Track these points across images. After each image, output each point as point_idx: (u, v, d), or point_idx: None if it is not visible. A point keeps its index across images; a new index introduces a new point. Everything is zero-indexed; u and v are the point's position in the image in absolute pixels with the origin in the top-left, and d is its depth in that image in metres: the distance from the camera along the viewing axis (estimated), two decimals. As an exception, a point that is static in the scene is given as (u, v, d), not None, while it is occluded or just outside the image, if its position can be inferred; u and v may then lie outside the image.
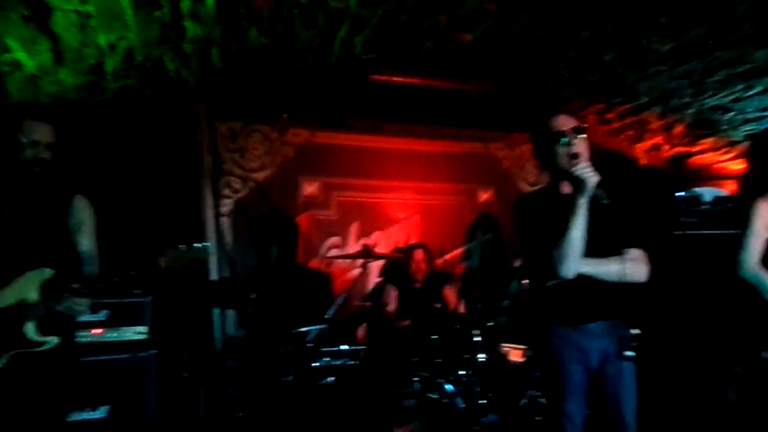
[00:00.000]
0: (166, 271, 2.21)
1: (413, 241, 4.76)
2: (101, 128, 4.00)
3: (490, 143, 5.15)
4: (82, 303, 2.13)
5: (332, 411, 3.39)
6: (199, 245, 2.28)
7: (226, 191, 4.36)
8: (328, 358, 3.51)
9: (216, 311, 4.16)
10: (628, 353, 2.05)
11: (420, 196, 4.92)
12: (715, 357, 3.76)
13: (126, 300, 3.24)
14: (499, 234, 5.02)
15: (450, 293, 4.27)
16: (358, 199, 4.76)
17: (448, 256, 4.86)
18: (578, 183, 2.02)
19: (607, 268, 2.07)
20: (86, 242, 2.30)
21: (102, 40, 3.12)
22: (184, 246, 2.24)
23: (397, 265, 4.50)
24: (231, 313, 4.21)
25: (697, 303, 3.86)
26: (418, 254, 4.31)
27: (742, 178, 3.07)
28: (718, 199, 4.16)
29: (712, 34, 3.26)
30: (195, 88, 4.00)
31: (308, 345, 3.63)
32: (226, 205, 4.35)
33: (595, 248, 2.04)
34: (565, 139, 2.08)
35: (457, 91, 4.32)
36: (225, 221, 4.33)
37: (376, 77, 4.03)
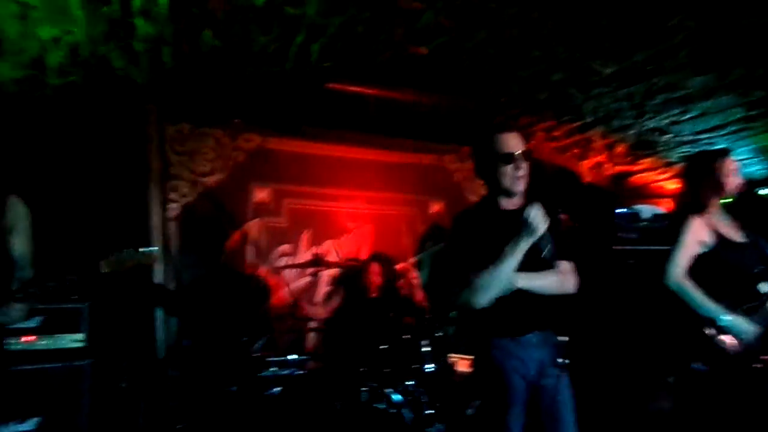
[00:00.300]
0: (108, 276, 2.13)
1: (365, 250, 4.77)
2: (42, 125, 3.82)
3: (442, 156, 5.23)
4: (17, 309, 2.02)
5: (278, 422, 3.33)
6: (145, 250, 2.21)
7: (174, 195, 4.24)
8: (275, 368, 3.44)
9: (159, 318, 4.02)
10: (561, 360, 2.11)
11: (372, 205, 4.93)
12: (649, 368, 3.94)
13: (62, 306, 3.08)
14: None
15: (401, 303, 4.29)
16: (310, 207, 4.72)
17: (398, 267, 4.89)
18: (524, 226, 2.04)
19: (541, 282, 2.11)
20: (20, 245, 2.19)
21: (45, 33, 3.00)
22: (129, 250, 2.16)
23: (349, 275, 4.49)
24: (175, 321, 4.08)
25: (635, 316, 4.03)
26: (374, 267, 4.31)
27: (677, 197, 3.26)
28: (655, 216, 4.38)
29: (652, 60, 3.45)
30: (144, 87, 3.88)
31: (254, 355, 3.56)
32: (174, 210, 4.23)
33: (529, 263, 2.09)
34: (512, 162, 2.11)
35: (412, 103, 4.38)
36: (172, 226, 4.20)
37: (332, 86, 4.03)
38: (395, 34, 3.29)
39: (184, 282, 4.13)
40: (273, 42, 3.35)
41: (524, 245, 2.04)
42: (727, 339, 2.57)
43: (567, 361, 2.10)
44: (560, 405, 2.12)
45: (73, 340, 3.12)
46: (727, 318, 2.55)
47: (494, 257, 2.05)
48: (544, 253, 2.08)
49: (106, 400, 3.37)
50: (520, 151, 2.13)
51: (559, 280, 2.13)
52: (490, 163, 2.17)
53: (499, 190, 2.20)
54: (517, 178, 2.13)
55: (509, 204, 2.21)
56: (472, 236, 2.15)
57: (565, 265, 2.19)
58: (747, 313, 2.59)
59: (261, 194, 4.57)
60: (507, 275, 2.03)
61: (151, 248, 2.25)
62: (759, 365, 2.55)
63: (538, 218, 2.03)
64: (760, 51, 3.22)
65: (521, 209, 2.13)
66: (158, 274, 4.08)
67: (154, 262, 3.75)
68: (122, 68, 3.55)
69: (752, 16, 2.90)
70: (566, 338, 2.15)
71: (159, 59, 3.50)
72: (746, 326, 2.55)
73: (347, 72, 3.86)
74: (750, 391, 2.56)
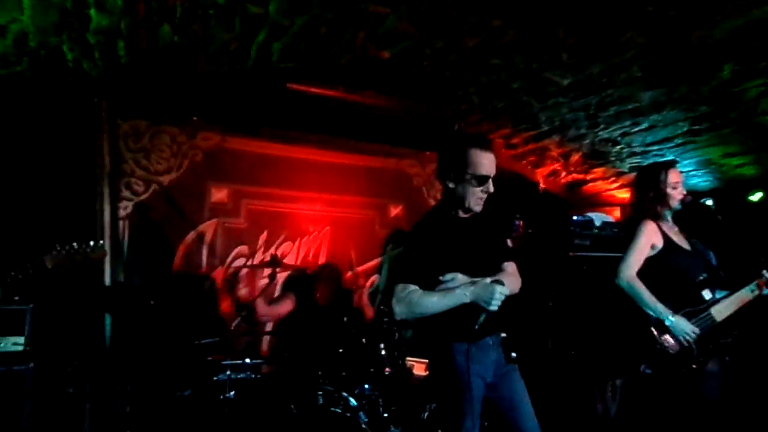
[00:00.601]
0: (53, 272, 2.04)
1: (323, 252, 4.74)
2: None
3: (402, 160, 5.26)
4: None
5: (232, 427, 3.26)
6: (92, 244, 2.12)
7: (126, 193, 4.10)
8: (229, 372, 3.37)
9: (107, 320, 3.87)
10: (513, 355, 2.17)
11: (331, 208, 4.90)
12: (598, 371, 4.06)
13: (2, 307, 2.94)
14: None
15: (357, 306, 4.29)
16: (269, 209, 4.66)
17: (357, 269, 4.89)
18: (479, 290, 2.07)
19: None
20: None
21: (-10, 20, 2.86)
22: (75, 244, 2.07)
23: (307, 277, 4.45)
24: (124, 323, 3.94)
25: (586, 320, 4.15)
26: (332, 270, 4.30)
27: (627, 206, 3.40)
28: (605, 224, 4.53)
29: (606, 73, 3.58)
30: (97, 81, 3.75)
31: (208, 358, 3.48)
32: (126, 208, 4.09)
33: (478, 266, 2.15)
34: (483, 185, 2.15)
35: (373, 106, 4.39)
36: (123, 224, 4.06)
37: (293, 86, 4.00)
38: (358, 37, 3.29)
39: (136, 283, 4.00)
40: (234, 40, 3.30)
41: (466, 301, 2.07)
42: (670, 339, 2.69)
43: (516, 355, 2.16)
44: (518, 398, 2.19)
45: (14, 343, 2.97)
46: (672, 319, 2.67)
47: (445, 264, 2.09)
48: (492, 254, 2.13)
49: (49, 407, 3.23)
50: (492, 175, 2.16)
51: (506, 282, 2.16)
52: (460, 177, 2.17)
53: (459, 203, 2.22)
54: (481, 199, 2.18)
55: (464, 214, 2.25)
56: (425, 246, 2.17)
57: (511, 266, 2.26)
58: (688, 316, 2.72)
59: (219, 194, 4.47)
60: (434, 309, 2.08)
61: (99, 243, 2.16)
62: (695, 366, 2.68)
63: (499, 295, 2.05)
64: (705, 69, 3.38)
65: (476, 216, 2.17)
66: (107, 274, 3.94)
67: (102, 258, 3.60)
68: (73, 60, 3.42)
69: (699, 36, 3.04)
70: (505, 334, 2.21)
71: (114, 53, 3.39)
72: (689, 328, 2.68)
73: (309, 73, 3.84)
74: (686, 393, 2.69)
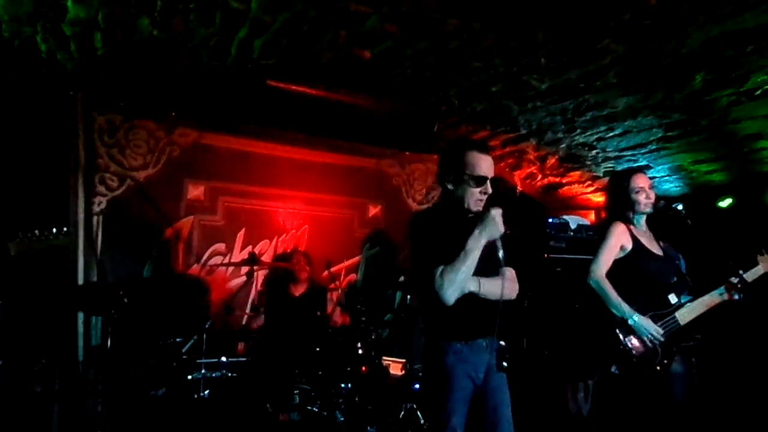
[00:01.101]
0: (17, 259, 1.98)
1: (301, 251, 4.72)
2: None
3: (381, 159, 5.27)
4: None
5: (207, 426, 3.23)
6: (54, 231, 2.05)
7: (101, 188, 4.02)
8: (204, 370, 3.33)
9: (80, 317, 3.80)
10: (505, 364, 2.22)
11: (310, 206, 4.89)
12: (571, 371, 4.13)
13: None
14: (387, 249, 5.13)
15: (334, 305, 4.29)
16: (247, 206, 4.62)
17: (334, 269, 4.87)
18: (485, 223, 2.12)
19: (490, 287, 2.19)
20: None
21: (-39, 8, 2.78)
22: (36, 231, 2.01)
23: (284, 276, 4.44)
24: (96, 320, 3.87)
25: (560, 321, 4.22)
26: (296, 256, 4.32)
27: (600, 210, 3.47)
28: (580, 227, 4.61)
29: (583, 78, 3.64)
30: (72, 73, 3.68)
31: (183, 356, 3.44)
32: (100, 204, 4.01)
33: (483, 267, 2.17)
34: (482, 185, 2.18)
35: (353, 105, 4.39)
36: (97, 220, 3.98)
37: (274, 83, 3.97)
38: (340, 36, 3.29)
39: (109, 279, 3.93)
40: (214, 35, 3.27)
41: (483, 242, 2.12)
42: (635, 340, 2.76)
43: (506, 365, 2.22)
44: (502, 406, 2.22)
45: (-18, 339, 2.90)
46: (635, 319, 2.74)
47: (454, 255, 2.11)
48: (499, 257, 2.17)
49: (16, 406, 3.15)
50: (490, 176, 2.21)
51: (506, 285, 2.21)
52: (459, 179, 2.21)
53: (458, 204, 2.25)
54: (480, 200, 2.21)
55: (464, 214, 2.27)
56: (431, 237, 2.19)
57: (510, 272, 2.29)
58: (654, 319, 2.80)
59: (195, 191, 4.42)
60: (469, 270, 2.10)
61: (62, 230, 2.10)
62: (659, 368, 2.75)
63: (499, 219, 2.13)
64: (678, 77, 3.47)
65: (477, 214, 2.21)
66: (80, 271, 3.86)
67: (67, 245, 3.50)
68: (47, 51, 3.35)
69: (673, 45, 3.12)
70: (505, 343, 2.25)
71: (90, 45, 3.32)
72: (652, 328, 2.75)
73: (290, 70, 3.82)
74: (653, 394, 2.76)
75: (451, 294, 2.10)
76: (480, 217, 2.16)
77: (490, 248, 2.19)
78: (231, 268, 4.39)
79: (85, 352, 3.78)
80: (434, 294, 2.11)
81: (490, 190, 2.21)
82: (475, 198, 2.21)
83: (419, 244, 2.23)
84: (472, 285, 2.15)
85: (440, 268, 2.11)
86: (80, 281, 3.84)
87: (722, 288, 2.87)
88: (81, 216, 3.90)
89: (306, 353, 3.59)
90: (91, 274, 3.91)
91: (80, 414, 3.49)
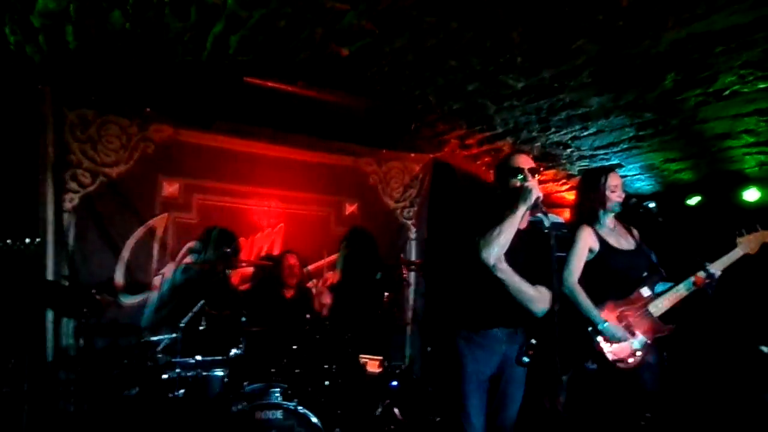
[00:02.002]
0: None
1: (277, 249, 4.69)
2: None
3: (358, 157, 5.27)
4: None
5: (181, 426, 3.18)
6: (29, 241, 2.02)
7: (72, 185, 3.94)
8: (179, 370, 3.29)
9: (49, 316, 3.71)
10: (525, 359, 2.34)
11: (286, 204, 4.86)
12: (546, 367, 4.19)
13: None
14: (364, 247, 5.13)
15: (315, 303, 4.27)
16: (222, 204, 4.57)
17: (312, 267, 4.86)
18: (523, 194, 2.32)
19: (518, 284, 2.33)
20: None
21: (-76, -2, 2.69)
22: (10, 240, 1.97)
23: (265, 273, 4.40)
24: (67, 320, 3.79)
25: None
26: (291, 259, 4.26)
27: (573, 208, 3.55)
28: (554, 225, 4.67)
29: (558, 78, 3.69)
30: (41, 67, 3.59)
31: (158, 356, 3.38)
32: (71, 200, 3.93)
33: (518, 266, 2.32)
34: (521, 176, 2.42)
35: (331, 103, 4.37)
36: (68, 217, 3.90)
37: (250, 80, 3.93)
38: (317, 33, 3.28)
39: (81, 278, 3.85)
40: (189, 30, 3.22)
41: (523, 208, 2.31)
42: (604, 342, 2.84)
43: (529, 360, 2.35)
44: (509, 396, 2.37)
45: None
46: (606, 326, 2.81)
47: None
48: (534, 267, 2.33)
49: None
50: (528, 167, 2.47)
51: (534, 296, 2.35)
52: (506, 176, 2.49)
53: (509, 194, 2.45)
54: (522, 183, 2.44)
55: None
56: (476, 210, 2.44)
57: (544, 290, 2.39)
58: (627, 313, 2.86)
59: (170, 188, 4.36)
60: (506, 234, 2.26)
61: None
62: (631, 360, 2.82)
63: (536, 185, 2.34)
64: (650, 77, 3.54)
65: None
66: (50, 269, 3.77)
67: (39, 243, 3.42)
68: (16, 44, 3.26)
69: (644, 46, 3.19)
70: (534, 340, 2.38)
71: (61, 38, 3.25)
72: (621, 334, 2.82)
73: (267, 67, 3.79)
74: (627, 385, 2.83)
75: (490, 254, 2.24)
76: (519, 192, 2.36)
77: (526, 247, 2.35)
78: (206, 265, 4.34)
79: (56, 352, 3.70)
80: (476, 256, 2.23)
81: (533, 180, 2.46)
82: (516, 187, 2.45)
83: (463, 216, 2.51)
84: (503, 267, 2.28)
85: (484, 234, 2.27)
86: (49, 279, 3.76)
87: (689, 281, 2.94)
88: (51, 213, 3.82)
89: (283, 351, 3.57)
90: (61, 271, 3.82)
91: (51, 415, 3.41)
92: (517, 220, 2.30)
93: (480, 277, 2.28)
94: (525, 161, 2.51)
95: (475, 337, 2.31)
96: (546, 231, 2.28)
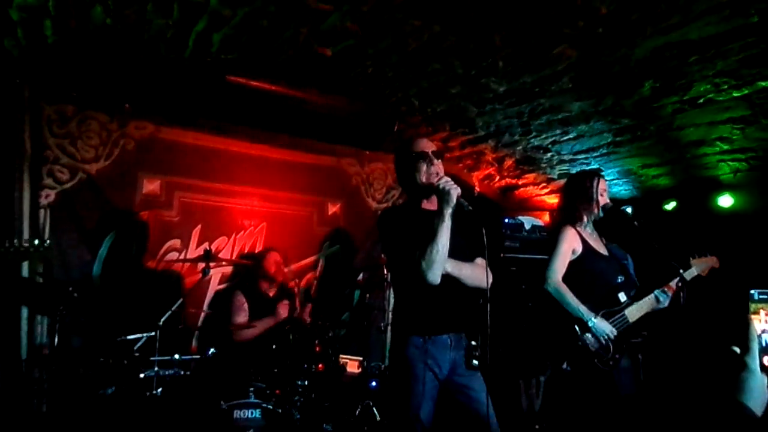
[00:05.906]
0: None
1: (259, 248, 4.67)
2: None
3: (341, 158, 5.27)
4: None
5: (158, 425, 3.16)
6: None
7: (49, 180, 3.88)
8: (156, 368, 3.26)
9: (24, 314, 3.65)
10: (475, 362, 2.32)
11: (268, 203, 4.84)
12: (523, 368, 4.24)
13: None
14: (346, 247, 5.14)
15: (296, 303, 4.26)
16: (203, 202, 4.54)
17: (293, 266, 4.85)
18: (442, 195, 2.24)
19: (466, 270, 2.33)
20: None
21: None
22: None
23: (245, 273, 4.38)
24: (42, 317, 3.73)
25: (514, 319, 4.32)
26: (275, 255, 4.24)
27: (554, 211, 3.58)
28: (534, 228, 4.74)
29: (539, 83, 3.74)
30: (19, 61, 3.53)
31: (135, 354, 3.35)
32: (48, 197, 3.87)
33: (453, 252, 2.27)
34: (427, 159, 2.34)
35: (314, 103, 4.37)
36: (44, 213, 3.84)
37: (233, 79, 3.92)
38: (300, 33, 3.28)
39: (57, 275, 3.79)
40: (171, 27, 3.20)
41: (447, 213, 2.23)
42: (591, 337, 2.86)
43: (477, 363, 2.32)
44: (477, 404, 2.30)
45: None
46: (594, 321, 2.84)
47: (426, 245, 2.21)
48: (465, 245, 2.29)
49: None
50: (431, 150, 2.38)
51: (476, 272, 2.35)
52: (409, 165, 2.40)
53: (419, 191, 2.41)
54: (432, 174, 2.35)
55: (430, 205, 2.40)
56: (402, 230, 2.32)
57: (481, 261, 2.40)
58: (606, 317, 2.91)
59: (151, 186, 4.32)
60: (445, 246, 2.20)
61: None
62: (611, 363, 2.86)
63: (450, 183, 2.25)
64: (628, 84, 3.61)
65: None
66: (24, 265, 3.71)
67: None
68: (-6, 37, 3.21)
69: (623, 53, 3.25)
70: (476, 342, 2.36)
71: (39, 32, 3.20)
72: (608, 329, 2.86)
73: (250, 66, 3.78)
74: (603, 387, 2.87)
75: (435, 274, 2.20)
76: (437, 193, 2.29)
77: (461, 236, 2.30)
78: (186, 264, 4.31)
79: (30, 349, 3.64)
80: (417, 278, 2.19)
81: (437, 163, 2.38)
82: (426, 173, 2.38)
83: (392, 240, 2.37)
84: (448, 266, 2.25)
85: (418, 252, 2.22)
86: (24, 276, 3.70)
87: (662, 290, 3.02)
88: (26, 208, 3.76)
89: (262, 350, 3.56)
90: (36, 268, 3.76)
91: (24, 414, 3.36)
92: (448, 226, 2.22)
93: (427, 285, 2.24)
94: (427, 145, 2.44)
95: (426, 345, 2.26)
96: (466, 210, 2.27)
